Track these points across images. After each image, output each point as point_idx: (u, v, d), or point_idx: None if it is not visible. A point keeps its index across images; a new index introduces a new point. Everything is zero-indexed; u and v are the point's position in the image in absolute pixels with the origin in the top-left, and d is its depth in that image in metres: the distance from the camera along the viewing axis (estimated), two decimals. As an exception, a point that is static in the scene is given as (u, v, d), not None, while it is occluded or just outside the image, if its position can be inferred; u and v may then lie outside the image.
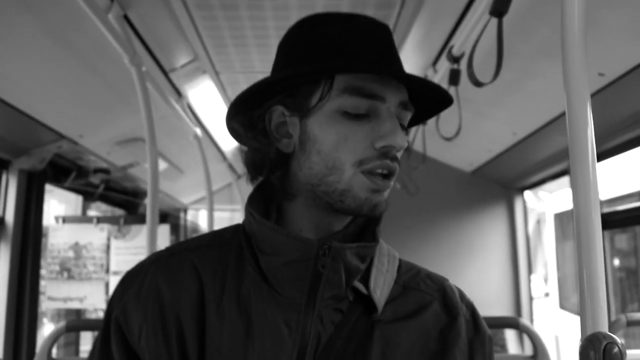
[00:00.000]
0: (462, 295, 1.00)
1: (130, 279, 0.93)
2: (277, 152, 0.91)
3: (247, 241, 0.92)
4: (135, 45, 2.14)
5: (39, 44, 1.96)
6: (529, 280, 4.49)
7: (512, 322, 2.08)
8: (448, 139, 2.19)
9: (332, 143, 0.86)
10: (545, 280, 7.63)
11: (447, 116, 2.32)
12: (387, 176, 0.86)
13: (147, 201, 2.20)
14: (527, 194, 4.52)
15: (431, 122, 2.73)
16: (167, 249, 0.98)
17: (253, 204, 0.93)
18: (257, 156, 0.94)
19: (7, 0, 1.69)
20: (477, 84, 1.44)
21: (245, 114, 0.93)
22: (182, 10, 2.19)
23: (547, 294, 7.39)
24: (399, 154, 0.88)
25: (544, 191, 4.63)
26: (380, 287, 0.92)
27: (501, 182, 4.39)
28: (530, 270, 4.52)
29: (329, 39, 0.89)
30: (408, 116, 0.89)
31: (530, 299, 4.47)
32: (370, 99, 0.85)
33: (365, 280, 0.92)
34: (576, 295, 5.30)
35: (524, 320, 2.00)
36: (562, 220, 5.80)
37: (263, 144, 0.92)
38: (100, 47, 2.07)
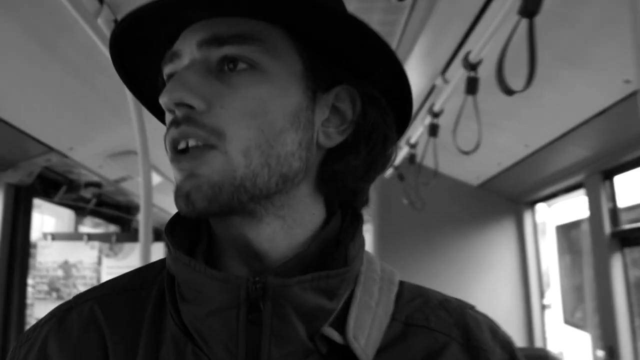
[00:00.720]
0: (494, 331, 0.71)
1: (20, 346, 0.70)
2: None
3: (170, 283, 0.68)
4: (127, 52, 2.01)
5: (25, 51, 1.84)
6: (541, 299, 4.34)
7: (540, 354, 1.84)
8: (466, 153, 2.05)
9: None
10: (543, 293, 7.50)
11: (461, 128, 2.20)
12: (182, 151, 0.62)
13: (140, 217, 2.07)
14: (538, 207, 4.38)
15: (443, 134, 2.61)
16: (70, 301, 0.73)
17: (174, 231, 0.68)
18: None
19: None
20: (508, 91, 1.30)
21: None
22: (177, 15, 2.06)
23: (547, 306, 7.26)
24: (206, 109, 0.61)
25: (541, 203, 4.53)
26: (367, 329, 0.65)
27: (509, 196, 4.26)
28: (541, 288, 4.37)
29: None
30: (225, 50, 0.63)
31: (543, 318, 4.32)
32: (170, 62, 0.66)
33: (343, 321, 0.65)
34: (580, 310, 5.18)
35: (554, 352, 1.81)
36: (564, 232, 5.68)
37: None
38: (89, 54, 1.95)
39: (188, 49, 0.64)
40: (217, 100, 0.61)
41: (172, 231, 0.68)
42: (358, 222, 0.71)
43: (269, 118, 0.63)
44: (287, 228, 0.67)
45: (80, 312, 0.69)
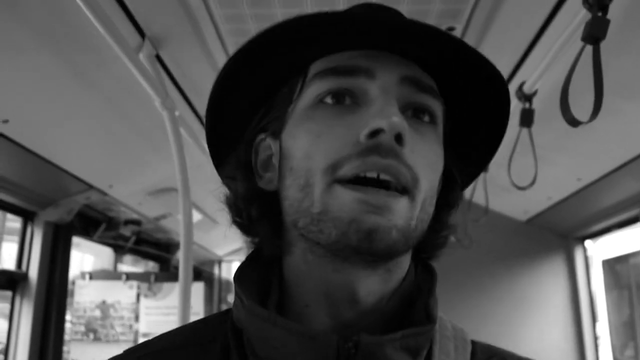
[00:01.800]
0: None
1: None
2: (260, 193, 0.65)
3: (236, 338, 0.62)
4: (168, 88, 1.98)
5: (65, 87, 1.82)
6: (594, 336, 4.16)
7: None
8: (522, 188, 1.96)
9: (302, 150, 0.59)
10: (596, 332, 7.31)
11: (514, 163, 2.10)
12: (382, 183, 0.56)
13: (180, 255, 2.01)
14: (588, 243, 4.22)
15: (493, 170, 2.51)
16: (121, 355, 0.67)
17: (242, 281, 0.62)
18: (240, 207, 0.67)
19: (31, 42, 1.55)
20: (574, 122, 1.22)
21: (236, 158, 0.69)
22: (219, 51, 2.01)
23: (599, 344, 7.06)
24: (406, 150, 0.56)
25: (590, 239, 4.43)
26: None
27: (559, 231, 4.12)
28: (594, 327, 4.19)
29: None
30: (423, 98, 0.61)
31: (596, 358, 4.14)
32: (350, 75, 0.59)
33: None
34: (631, 347, 4.98)
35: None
36: (610, 267, 5.52)
37: (249, 190, 0.66)
38: (130, 90, 1.92)
39: (385, 76, 0.59)
40: (409, 144, 0.57)
41: (241, 280, 0.62)
42: (433, 277, 0.67)
43: (436, 177, 0.62)
44: (387, 281, 0.62)
45: None
